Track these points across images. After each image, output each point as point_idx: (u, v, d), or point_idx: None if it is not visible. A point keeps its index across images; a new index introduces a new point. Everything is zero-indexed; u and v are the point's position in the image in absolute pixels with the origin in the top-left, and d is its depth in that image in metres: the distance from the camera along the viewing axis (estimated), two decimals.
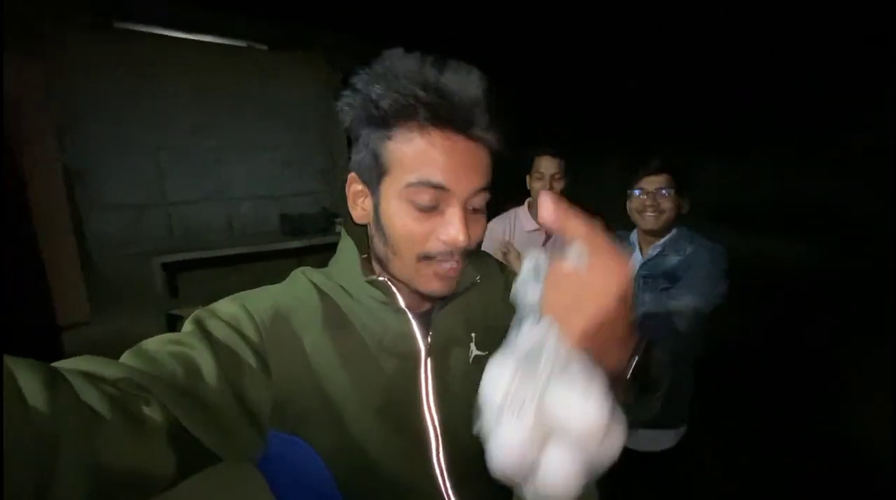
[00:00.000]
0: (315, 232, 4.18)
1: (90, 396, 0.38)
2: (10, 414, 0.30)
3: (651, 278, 1.50)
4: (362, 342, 0.64)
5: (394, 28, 3.09)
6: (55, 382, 0.35)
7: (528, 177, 2.04)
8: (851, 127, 1.88)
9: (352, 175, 0.62)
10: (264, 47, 4.07)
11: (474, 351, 0.71)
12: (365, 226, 0.67)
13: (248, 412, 0.52)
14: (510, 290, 0.55)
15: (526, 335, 0.45)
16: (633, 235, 1.66)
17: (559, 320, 0.42)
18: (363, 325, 0.65)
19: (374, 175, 0.58)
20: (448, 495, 0.68)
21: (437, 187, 0.55)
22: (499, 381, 0.44)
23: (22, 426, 0.31)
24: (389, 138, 0.56)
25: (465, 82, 0.54)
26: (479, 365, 0.67)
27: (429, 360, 0.67)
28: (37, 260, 3.32)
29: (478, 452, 0.65)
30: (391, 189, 0.57)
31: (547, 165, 1.97)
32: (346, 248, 0.68)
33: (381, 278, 0.64)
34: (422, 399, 0.66)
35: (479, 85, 0.54)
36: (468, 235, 0.57)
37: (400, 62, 0.54)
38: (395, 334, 0.66)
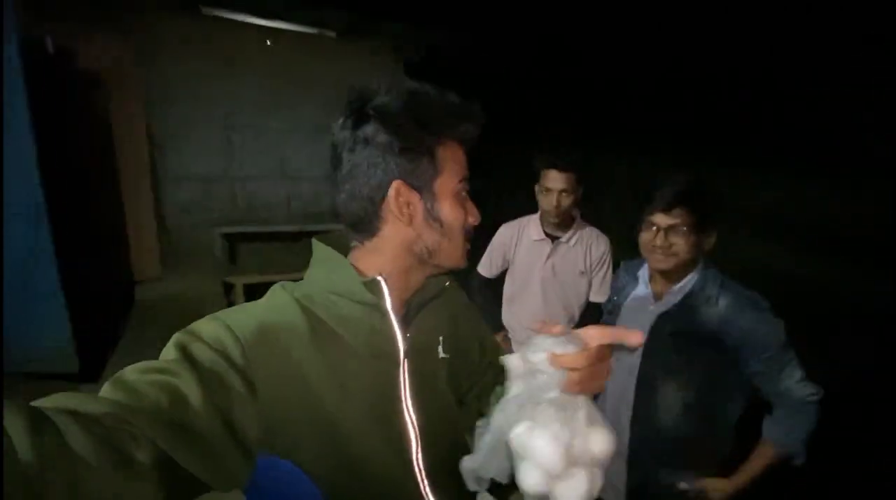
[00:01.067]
0: None
1: (76, 438, 0.37)
2: None
3: (682, 337, 1.23)
4: (348, 350, 0.66)
5: (455, 20, 3.10)
6: (41, 427, 0.35)
7: (536, 187, 1.85)
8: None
9: (398, 182, 0.64)
10: (333, 35, 4.24)
11: (441, 354, 0.78)
12: (333, 239, 0.73)
13: (237, 438, 0.51)
14: (468, 305, 0.89)
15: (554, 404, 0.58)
16: (643, 271, 1.38)
17: (582, 389, 0.59)
18: (348, 332, 0.66)
19: (429, 177, 0.66)
20: (426, 494, 0.72)
21: (468, 180, 0.70)
22: (555, 447, 0.55)
23: (9, 474, 0.30)
24: (441, 144, 0.67)
25: (479, 109, 0.69)
26: (444, 367, 0.78)
27: (406, 361, 0.70)
28: (120, 221, 3.71)
29: (450, 451, 0.70)
30: (446, 187, 0.68)
31: (554, 180, 1.75)
32: (330, 255, 0.69)
33: (378, 278, 0.67)
34: (401, 399, 0.70)
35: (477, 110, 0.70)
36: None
37: (435, 89, 0.67)
38: (380, 336, 0.69)
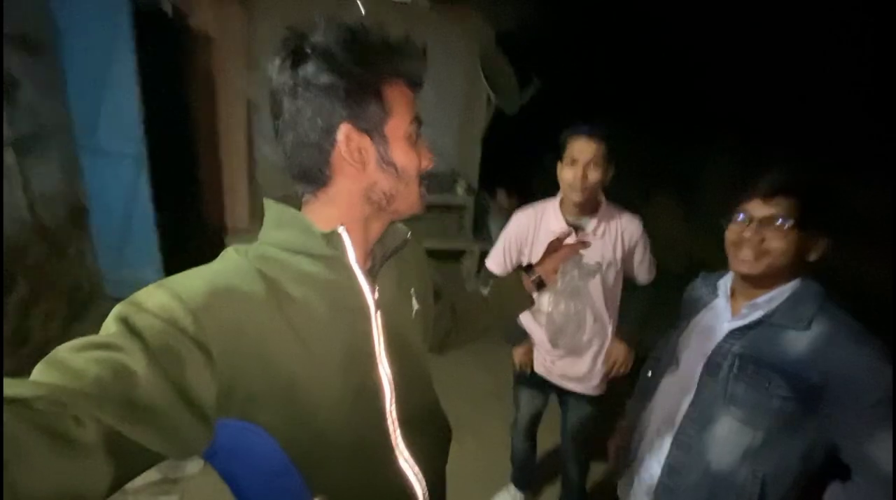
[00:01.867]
0: (438, 190, 4.24)
1: (11, 426, 0.35)
2: None
3: (753, 362, 0.97)
4: (310, 308, 0.63)
5: None
6: None
7: (558, 164, 1.57)
8: None
9: (346, 126, 0.62)
10: (427, 3, 4.13)
11: (416, 305, 0.79)
12: (285, 198, 0.70)
13: (193, 406, 0.50)
14: (423, 252, 0.89)
15: None
16: (725, 281, 1.14)
17: None
18: (309, 289, 0.63)
19: (378, 119, 0.63)
20: (397, 446, 0.73)
21: (419, 122, 0.68)
22: None
23: None
24: (388, 84, 0.63)
25: (411, 46, 0.66)
26: (419, 318, 0.80)
27: (378, 313, 0.70)
28: (217, 174, 4.08)
29: (422, 402, 0.75)
30: (398, 130, 0.65)
31: (581, 150, 1.48)
32: (283, 211, 0.66)
33: (339, 230, 0.65)
34: (375, 353, 0.70)
35: (418, 47, 0.67)
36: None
37: (376, 27, 0.63)
38: (345, 290, 0.67)
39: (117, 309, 0.51)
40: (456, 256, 4.47)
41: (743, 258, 0.98)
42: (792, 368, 0.92)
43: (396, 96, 0.64)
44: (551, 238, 1.60)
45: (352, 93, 0.60)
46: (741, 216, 0.99)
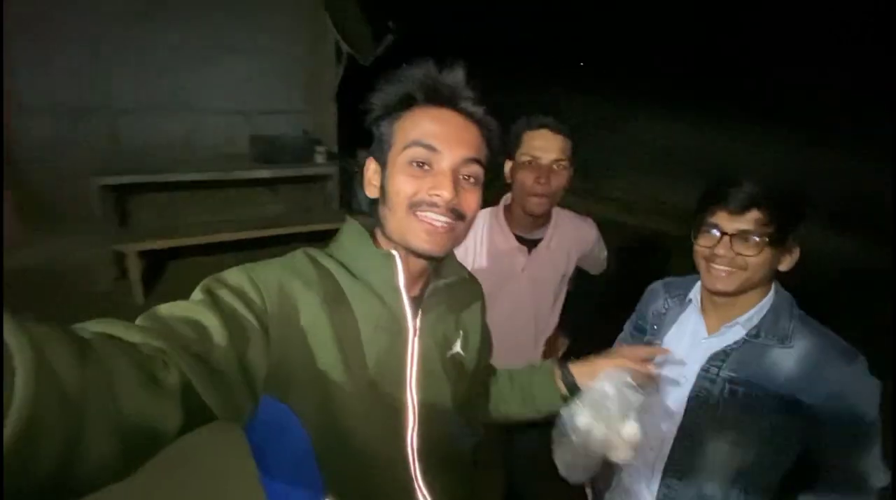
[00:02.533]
0: (292, 160, 3.58)
1: (116, 360, 0.40)
2: (37, 382, 0.31)
3: (744, 386, 0.94)
4: (356, 320, 0.67)
5: None
6: (81, 348, 0.36)
7: (509, 163, 1.31)
8: None
9: (369, 159, 0.71)
10: None
11: (457, 348, 0.80)
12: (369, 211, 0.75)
13: (248, 378, 0.55)
14: (484, 304, 0.91)
15: None
16: (695, 293, 1.07)
17: None
18: (359, 303, 0.68)
19: (385, 150, 0.68)
20: (416, 478, 0.73)
21: (429, 148, 0.65)
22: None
23: (49, 393, 0.32)
24: (397, 119, 0.68)
25: (452, 71, 0.68)
26: (459, 361, 0.80)
27: (416, 341, 0.72)
28: None
29: (444, 442, 0.77)
30: (396, 157, 0.67)
31: (544, 146, 1.24)
32: (352, 226, 0.73)
33: (392, 252, 0.69)
34: (406, 378, 0.71)
35: (462, 73, 0.68)
36: (454, 192, 0.65)
37: (410, 68, 0.68)
38: (389, 312, 0.70)
39: (205, 282, 0.58)
40: (325, 237, 3.96)
41: (717, 275, 0.93)
42: (783, 389, 0.91)
43: (404, 124, 0.67)
44: (499, 258, 1.34)
45: (377, 132, 0.70)
46: (714, 231, 0.93)
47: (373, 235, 0.72)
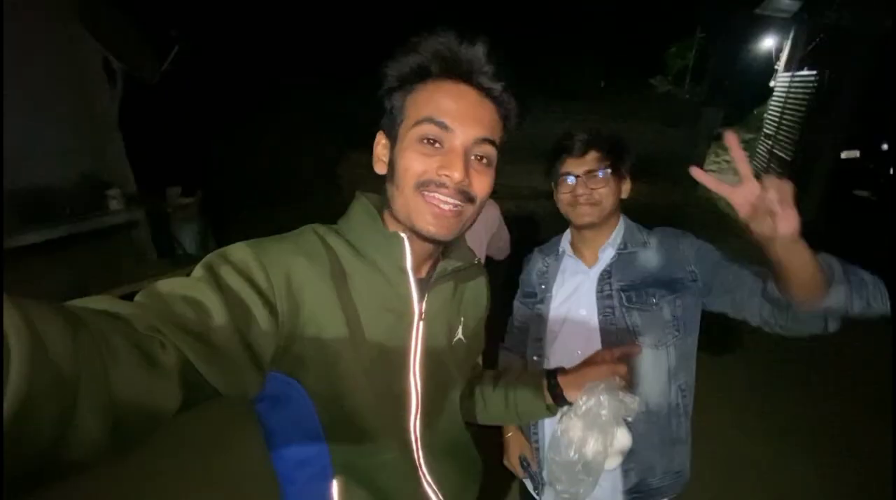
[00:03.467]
0: (73, 213, 2.79)
1: (109, 337, 0.39)
2: (31, 361, 0.31)
3: (634, 289, 1.10)
4: (362, 299, 0.65)
5: None
6: (75, 327, 0.36)
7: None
8: None
9: (379, 133, 0.69)
10: None
11: (459, 334, 0.79)
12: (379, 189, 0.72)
13: (253, 355, 0.54)
14: (488, 297, 0.89)
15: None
16: (564, 242, 1.24)
17: None
18: (365, 282, 0.66)
19: (396, 124, 0.65)
20: (421, 467, 0.74)
21: (441, 125, 0.62)
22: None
23: (43, 372, 0.32)
24: (410, 92, 0.64)
25: (471, 43, 0.63)
26: (461, 348, 0.80)
27: (421, 324, 0.71)
28: None
29: (448, 432, 0.79)
30: (406, 132, 0.64)
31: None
32: (362, 204, 0.71)
33: (401, 233, 0.67)
34: (409, 362, 0.70)
35: (483, 45, 0.63)
36: (465, 173, 0.63)
37: (427, 38, 0.63)
38: (395, 294, 0.68)
39: (207, 258, 0.57)
40: None
41: (582, 212, 1.11)
42: (661, 275, 1.09)
43: (415, 98, 0.64)
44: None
45: (388, 105, 0.67)
46: (567, 179, 1.11)
47: (381, 214, 0.71)
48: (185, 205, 3.68)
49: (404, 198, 0.64)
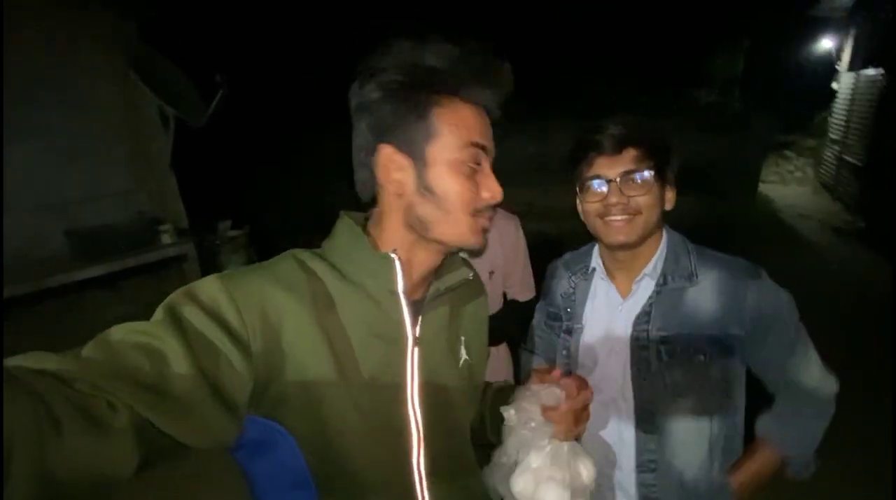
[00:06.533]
0: (128, 248, 3.02)
1: (51, 404, 0.37)
2: None
3: (675, 341, 0.88)
4: (349, 327, 0.62)
5: None
6: (10, 390, 0.35)
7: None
8: None
9: (386, 147, 0.61)
10: None
11: (464, 355, 0.74)
12: (358, 208, 0.70)
13: (224, 401, 0.50)
14: (486, 313, 0.83)
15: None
16: (595, 257, 1.01)
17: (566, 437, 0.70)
18: (351, 308, 0.62)
19: (421, 140, 0.60)
20: (423, 495, 0.67)
21: (484, 149, 0.63)
22: (561, 492, 0.66)
23: None
24: (438, 104, 0.60)
25: (504, 69, 0.63)
26: (468, 371, 0.74)
27: (416, 350, 0.66)
28: None
29: (455, 461, 0.71)
30: (443, 153, 0.60)
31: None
32: (346, 224, 0.67)
33: (391, 254, 0.63)
34: (406, 392, 0.65)
35: (510, 74, 0.64)
36: (501, 191, 0.64)
37: (440, 43, 0.59)
38: (386, 318, 0.64)
39: (171, 297, 0.53)
40: None
41: (615, 226, 0.87)
42: (712, 329, 0.87)
43: (448, 118, 0.60)
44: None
45: (397, 111, 0.59)
46: (596, 184, 0.88)
47: (366, 233, 0.67)
48: (233, 237, 3.90)
49: (456, 221, 0.62)
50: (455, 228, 0.63)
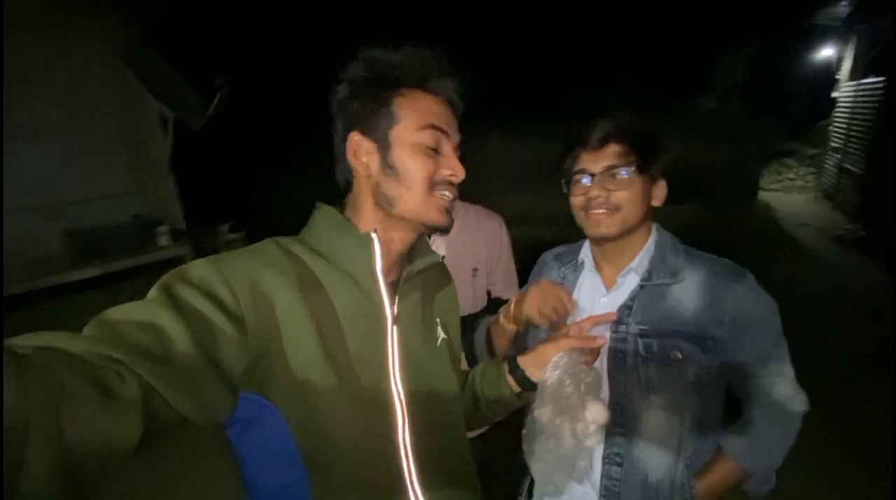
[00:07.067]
0: (126, 249, 3.01)
1: (63, 378, 0.37)
2: None
3: (653, 336, 0.88)
4: (333, 306, 0.65)
5: None
6: (20, 369, 0.34)
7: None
8: None
9: (356, 134, 0.68)
10: None
11: (441, 334, 0.79)
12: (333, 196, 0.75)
13: (221, 375, 0.52)
14: (455, 297, 0.88)
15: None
16: (585, 250, 1.03)
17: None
18: (335, 289, 0.65)
19: (385, 125, 0.67)
20: (410, 472, 0.69)
21: (443, 132, 0.68)
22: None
23: None
24: (400, 94, 0.67)
25: (452, 64, 0.70)
26: (447, 350, 0.79)
27: (395, 328, 0.69)
28: None
29: (443, 442, 0.74)
30: (404, 135, 0.67)
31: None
32: (326, 212, 0.71)
33: (371, 234, 0.68)
34: (388, 368, 0.68)
35: (451, 65, 0.70)
36: (462, 170, 0.71)
37: (400, 44, 0.68)
38: (367, 298, 0.68)
39: (163, 278, 0.54)
40: None
41: (596, 219, 0.90)
42: (691, 327, 0.87)
43: (408, 104, 0.67)
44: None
45: (364, 103, 0.67)
46: (584, 178, 0.91)
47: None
48: (231, 240, 3.89)
49: (417, 196, 0.67)
50: (417, 204, 0.68)
